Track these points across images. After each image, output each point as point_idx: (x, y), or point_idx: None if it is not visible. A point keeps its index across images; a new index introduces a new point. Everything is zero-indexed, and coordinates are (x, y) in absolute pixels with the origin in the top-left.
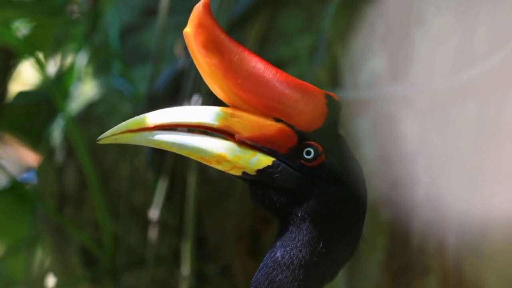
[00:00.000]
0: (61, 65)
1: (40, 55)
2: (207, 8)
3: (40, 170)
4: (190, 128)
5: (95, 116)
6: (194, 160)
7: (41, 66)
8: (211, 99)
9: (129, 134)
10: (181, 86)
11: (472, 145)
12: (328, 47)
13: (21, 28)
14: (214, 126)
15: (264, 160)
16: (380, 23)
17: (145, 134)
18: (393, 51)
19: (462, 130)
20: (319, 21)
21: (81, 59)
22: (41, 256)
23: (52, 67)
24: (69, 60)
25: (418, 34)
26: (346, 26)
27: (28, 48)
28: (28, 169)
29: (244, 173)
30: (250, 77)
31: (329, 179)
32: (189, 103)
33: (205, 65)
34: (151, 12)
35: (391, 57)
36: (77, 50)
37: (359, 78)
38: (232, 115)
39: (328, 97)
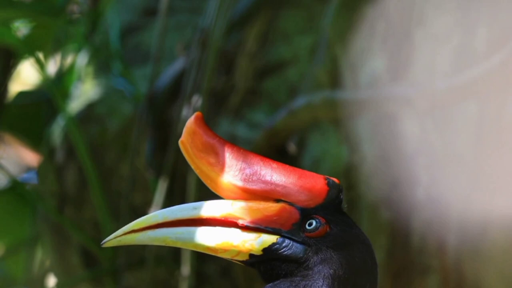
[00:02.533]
0: (61, 65)
1: (40, 55)
2: (200, 118)
3: (40, 170)
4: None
5: (95, 116)
6: None
7: (41, 66)
8: (211, 99)
9: (133, 235)
10: (181, 86)
11: (472, 145)
12: (328, 47)
13: (21, 28)
14: (217, 217)
15: (269, 239)
16: (380, 23)
17: (149, 232)
18: (393, 51)
19: (462, 130)
20: (319, 21)
21: (81, 59)
22: (41, 256)
23: (52, 67)
24: (69, 60)
25: (418, 34)
26: (346, 26)
27: (28, 48)
28: (28, 169)
29: (251, 255)
30: (247, 168)
31: (335, 246)
32: (189, 103)
33: (202, 167)
34: (151, 12)
35: (391, 57)
36: (77, 50)
37: (359, 78)
38: (232, 204)
39: (328, 179)
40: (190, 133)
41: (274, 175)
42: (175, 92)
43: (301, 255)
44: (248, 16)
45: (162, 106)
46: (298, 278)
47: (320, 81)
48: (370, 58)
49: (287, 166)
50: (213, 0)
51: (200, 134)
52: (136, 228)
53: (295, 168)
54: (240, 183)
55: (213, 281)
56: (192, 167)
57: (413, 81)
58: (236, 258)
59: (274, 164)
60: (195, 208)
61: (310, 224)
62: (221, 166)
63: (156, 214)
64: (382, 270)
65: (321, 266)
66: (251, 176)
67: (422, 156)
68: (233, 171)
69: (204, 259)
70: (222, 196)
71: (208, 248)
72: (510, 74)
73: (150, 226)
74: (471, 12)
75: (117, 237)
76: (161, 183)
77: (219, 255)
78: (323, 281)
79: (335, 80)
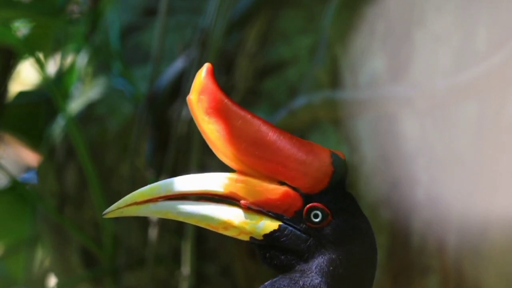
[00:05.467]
0: (61, 65)
1: (40, 55)
2: (210, 74)
3: (40, 170)
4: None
5: (95, 116)
6: (194, 160)
7: (41, 66)
8: None
9: (135, 207)
10: (181, 86)
11: (472, 145)
12: (328, 47)
13: (21, 28)
14: (220, 193)
15: (270, 225)
16: (380, 23)
17: (150, 205)
18: (393, 51)
19: (462, 130)
20: (319, 21)
21: (81, 59)
22: (41, 256)
23: (52, 67)
24: (69, 60)
25: (418, 34)
26: (346, 26)
27: (28, 48)
28: (28, 169)
29: (251, 238)
30: (254, 142)
31: (336, 239)
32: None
33: (208, 132)
34: (151, 12)
35: (391, 57)
36: (77, 50)
37: (359, 78)
38: (236, 181)
39: (334, 156)
40: (198, 90)
41: (281, 153)
42: (175, 92)
43: (301, 246)
44: (248, 16)
45: (162, 106)
46: (297, 275)
47: (320, 81)
48: (370, 58)
49: (294, 139)
50: (213, 0)
51: (209, 93)
52: (138, 200)
53: (302, 143)
54: (245, 159)
55: (213, 281)
56: (199, 129)
57: (413, 81)
58: (238, 237)
59: (282, 137)
60: (198, 182)
61: (316, 216)
62: (227, 134)
63: (159, 186)
64: (382, 270)
65: (320, 261)
66: (257, 152)
67: (422, 156)
68: (239, 143)
69: (204, 259)
70: (226, 163)
71: (209, 225)
72: (510, 74)
73: (153, 198)
74: (471, 12)
75: (119, 208)
76: None
77: (220, 231)
78: (322, 278)
79: (335, 80)
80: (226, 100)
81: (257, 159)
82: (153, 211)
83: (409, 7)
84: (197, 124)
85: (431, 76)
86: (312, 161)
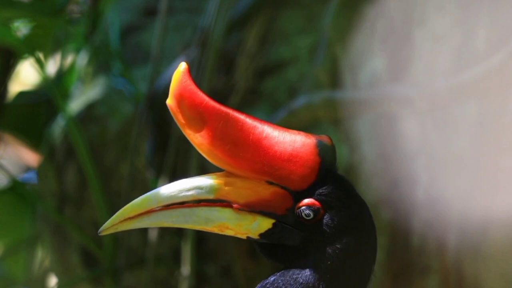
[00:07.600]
0: (61, 65)
1: (40, 55)
2: (186, 74)
3: (40, 170)
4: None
5: (95, 116)
6: (194, 160)
7: (41, 66)
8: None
9: (129, 221)
10: None
11: (472, 145)
12: (328, 47)
13: (21, 28)
14: (210, 198)
15: (264, 224)
16: (380, 23)
17: (144, 218)
18: (393, 51)
19: (462, 130)
20: (319, 21)
21: (81, 59)
22: (41, 256)
23: (52, 67)
24: (69, 60)
25: (419, 34)
26: (346, 26)
27: (28, 48)
28: (28, 169)
29: (248, 237)
30: (238, 142)
31: (331, 233)
32: None
33: (191, 136)
34: (151, 12)
35: (391, 57)
36: (77, 50)
37: (359, 78)
38: (225, 184)
39: (319, 145)
40: (176, 95)
41: (266, 152)
42: None
43: (297, 242)
44: (248, 16)
45: (162, 106)
46: (295, 271)
47: (320, 81)
48: (370, 58)
49: (278, 132)
50: (213, 0)
51: (187, 97)
52: (131, 215)
53: (286, 136)
54: (231, 160)
55: (213, 281)
56: (183, 133)
57: (413, 81)
58: (235, 235)
59: (265, 132)
60: (187, 190)
61: (308, 215)
62: (210, 138)
63: (150, 198)
64: (382, 270)
65: (317, 256)
66: (242, 153)
67: (422, 156)
68: (223, 145)
69: (204, 259)
70: (215, 164)
71: (204, 228)
72: (510, 74)
73: (145, 211)
74: (471, 12)
75: (114, 225)
76: (161, 183)
77: (216, 232)
78: (319, 274)
79: (335, 80)
80: (205, 102)
81: (242, 161)
82: (148, 223)
83: (409, 7)
84: (180, 128)
85: (431, 76)
86: (297, 157)
